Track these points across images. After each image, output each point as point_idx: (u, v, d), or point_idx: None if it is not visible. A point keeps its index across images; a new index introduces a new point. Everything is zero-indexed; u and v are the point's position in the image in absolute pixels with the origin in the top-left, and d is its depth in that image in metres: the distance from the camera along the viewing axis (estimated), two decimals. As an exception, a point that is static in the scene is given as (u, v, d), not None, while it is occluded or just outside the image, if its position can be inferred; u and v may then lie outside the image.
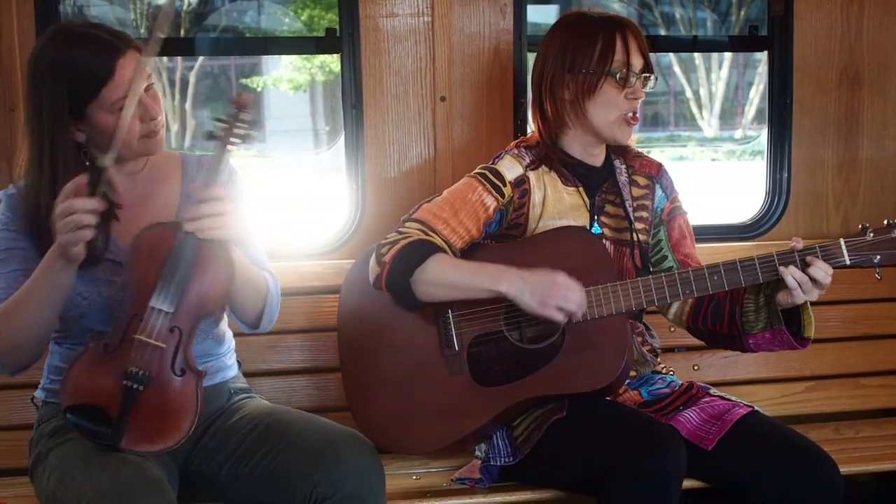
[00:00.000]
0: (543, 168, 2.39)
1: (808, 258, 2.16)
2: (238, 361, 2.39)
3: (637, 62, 2.31)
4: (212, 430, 2.19)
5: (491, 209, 2.34)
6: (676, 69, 19.16)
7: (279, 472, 2.04)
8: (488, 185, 2.34)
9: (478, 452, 2.43)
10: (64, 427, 2.07)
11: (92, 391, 1.95)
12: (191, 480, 2.15)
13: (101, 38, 2.05)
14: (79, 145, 2.07)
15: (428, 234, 2.27)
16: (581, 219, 2.39)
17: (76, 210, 1.86)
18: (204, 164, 2.18)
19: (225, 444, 2.14)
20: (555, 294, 2.16)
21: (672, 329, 2.80)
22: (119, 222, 2.06)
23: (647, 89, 2.35)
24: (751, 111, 18.87)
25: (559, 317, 2.17)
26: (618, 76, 2.29)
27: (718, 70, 19.02)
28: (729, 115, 19.93)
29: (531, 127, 2.86)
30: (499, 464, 2.34)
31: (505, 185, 2.35)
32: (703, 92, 19.25)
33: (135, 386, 1.94)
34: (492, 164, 2.39)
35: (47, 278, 1.95)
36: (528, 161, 2.39)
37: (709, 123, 19.42)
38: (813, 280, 2.15)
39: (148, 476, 1.91)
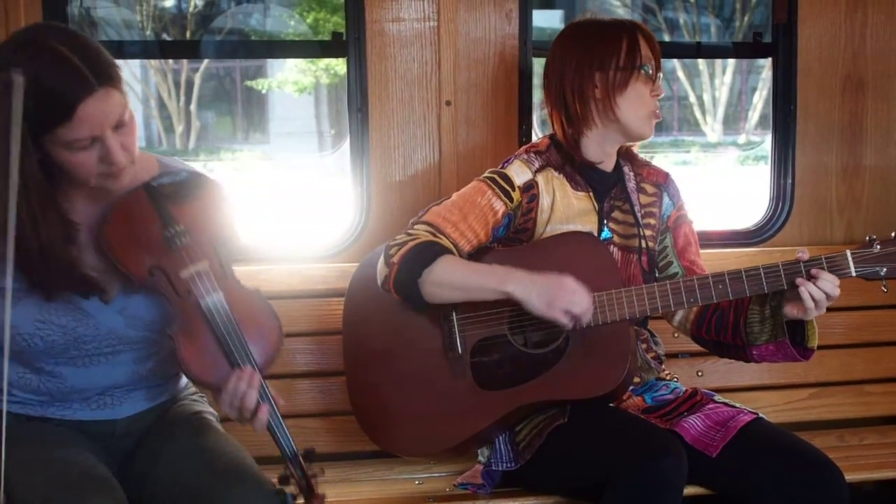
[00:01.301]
0: (553, 172, 2.39)
1: (815, 271, 2.16)
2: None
3: (656, 58, 2.35)
4: (143, 444, 2.11)
5: (500, 213, 2.34)
6: (680, 74, 19.16)
7: None
8: (497, 189, 2.35)
9: (480, 457, 2.43)
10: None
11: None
12: (137, 488, 2.06)
13: (74, 68, 1.77)
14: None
15: (436, 236, 2.28)
16: (590, 223, 2.39)
17: None
18: (172, 183, 2.03)
19: (147, 459, 2.05)
20: (562, 297, 2.16)
21: (676, 335, 2.80)
22: (78, 248, 1.95)
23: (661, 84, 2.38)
24: (754, 116, 18.86)
25: (565, 319, 2.17)
26: (648, 69, 2.32)
27: (722, 75, 19.02)
28: (732, 120, 19.93)
29: (536, 132, 2.88)
30: (500, 469, 2.35)
31: (514, 190, 2.35)
32: (706, 97, 19.24)
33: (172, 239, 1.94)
34: (501, 168, 2.40)
35: None
36: (537, 166, 2.39)
37: (712, 128, 19.41)
38: (827, 294, 2.15)
39: (95, 474, 1.87)
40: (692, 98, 19.36)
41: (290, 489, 1.94)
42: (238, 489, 1.91)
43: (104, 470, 1.92)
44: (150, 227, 1.96)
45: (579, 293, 2.18)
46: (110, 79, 1.82)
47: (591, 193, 2.41)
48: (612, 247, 2.40)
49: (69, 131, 1.79)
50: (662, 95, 2.37)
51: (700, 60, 18.52)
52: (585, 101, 2.35)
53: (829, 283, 2.15)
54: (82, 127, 1.79)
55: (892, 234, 2.18)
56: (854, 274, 2.17)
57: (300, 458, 1.94)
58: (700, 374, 2.88)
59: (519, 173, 2.38)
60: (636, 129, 2.36)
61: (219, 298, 1.93)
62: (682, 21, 18.92)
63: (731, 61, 18.30)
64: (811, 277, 2.16)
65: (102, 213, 1.97)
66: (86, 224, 1.97)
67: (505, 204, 2.35)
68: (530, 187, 2.37)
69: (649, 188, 2.49)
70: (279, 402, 1.95)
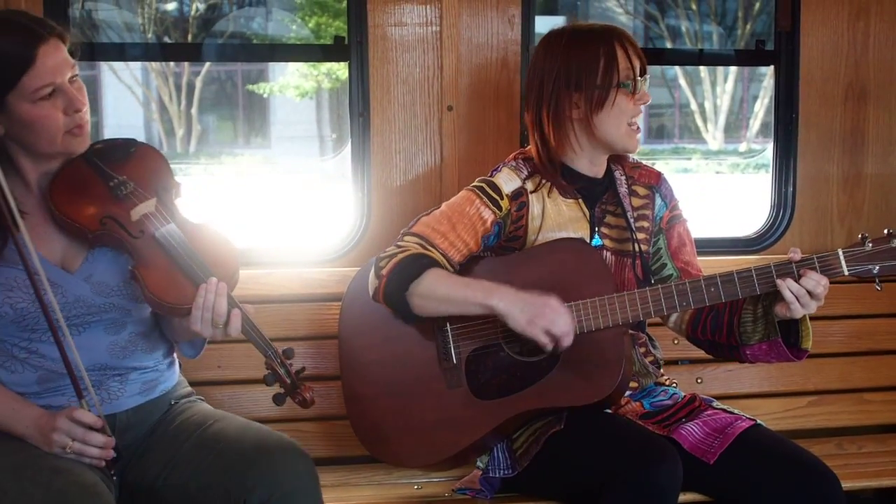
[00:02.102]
0: (542, 181, 2.39)
1: (804, 270, 2.15)
2: (179, 364, 2.34)
3: (637, 65, 2.32)
4: (148, 443, 2.15)
5: (489, 222, 2.34)
6: (682, 81, 19.20)
7: (213, 480, 1.99)
8: (486, 199, 2.34)
9: (479, 464, 2.43)
10: None
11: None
12: (130, 491, 2.12)
13: (21, 23, 1.98)
14: None
15: (426, 249, 2.28)
16: (581, 231, 2.39)
17: (90, 445, 1.96)
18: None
19: (160, 455, 2.10)
20: (544, 315, 2.16)
21: (676, 341, 2.79)
22: (36, 229, 2.02)
23: (647, 88, 2.36)
24: (755, 124, 18.89)
25: (545, 339, 2.17)
26: (629, 86, 2.30)
27: (724, 83, 19.05)
28: (734, 128, 19.96)
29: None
30: (498, 476, 2.34)
31: (502, 199, 2.35)
32: (708, 105, 19.28)
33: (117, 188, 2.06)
34: (490, 176, 2.39)
35: (5, 424, 2.01)
36: (526, 173, 2.39)
37: (713, 136, 19.44)
38: (809, 292, 2.15)
39: (82, 481, 1.90)
40: (693, 106, 19.39)
41: (277, 389, 2.03)
42: (280, 454, 1.98)
43: (91, 477, 1.94)
44: (93, 183, 2.07)
45: (563, 314, 2.17)
46: (54, 29, 1.99)
47: (580, 201, 2.40)
48: (605, 252, 2.40)
49: (33, 79, 1.93)
50: (649, 101, 2.34)
51: (702, 68, 18.57)
52: (562, 123, 2.33)
53: (811, 281, 2.14)
54: (45, 72, 1.94)
55: (885, 232, 2.16)
56: (846, 273, 2.16)
57: (281, 356, 2.03)
58: (700, 380, 2.88)
59: (507, 181, 2.37)
60: (618, 144, 2.35)
61: (172, 227, 2.04)
62: (684, 28, 18.95)
63: (733, 69, 18.33)
64: (801, 278, 2.15)
65: (47, 189, 2.05)
66: (36, 211, 2.06)
67: (493, 213, 2.34)
68: (519, 195, 2.36)
69: (641, 190, 2.48)
70: (249, 310, 2.04)
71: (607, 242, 2.41)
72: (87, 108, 2.04)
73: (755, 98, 19.22)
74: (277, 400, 2.05)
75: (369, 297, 2.33)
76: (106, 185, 2.06)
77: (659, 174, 2.51)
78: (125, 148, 2.14)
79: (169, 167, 2.16)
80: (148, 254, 2.01)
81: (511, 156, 2.46)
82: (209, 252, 2.04)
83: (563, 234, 2.35)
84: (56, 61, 1.96)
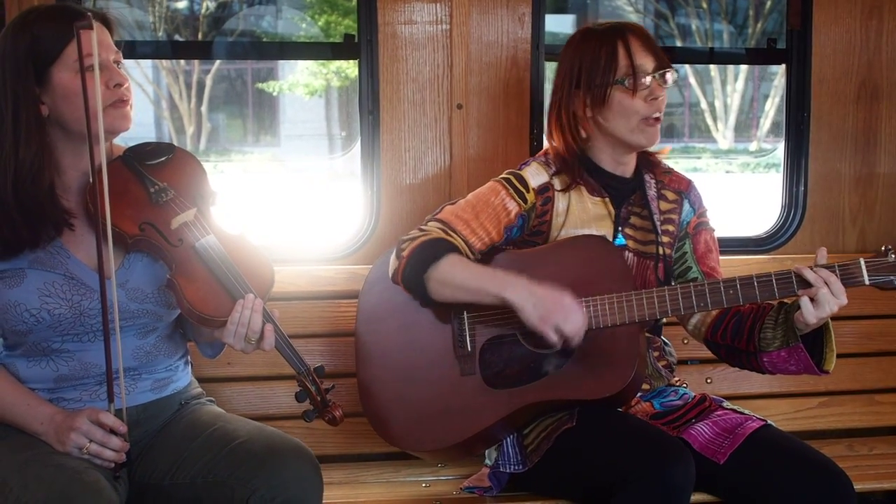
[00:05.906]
0: (570, 178, 2.39)
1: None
2: (191, 364, 2.34)
3: (646, 62, 2.31)
4: (156, 441, 2.16)
5: (512, 214, 2.34)
6: (692, 80, 19.14)
7: (219, 478, 2.00)
8: (511, 190, 2.35)
9: (487, 460, 2.43)
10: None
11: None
12: (137, 489, 2.12)
13: (66, 6, 2.06)
14: (42, 121, 2.02)
15: (448, 234, 2.29)
16: (605, 229, 2.38)
17: (108, 448, 1.99)
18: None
19: (167, 454, 2.11)
20: (557, 313, 2.15)
21: (686, 341, 2.79)
22: (74, 232, 2.04)
23: (669, 85, 2.34)
24: (766, 124, 18.83)
25: (555, 337, 2.16)
26: (626, 83, 2.29)
27: (734, 82, 19.00)
28: (744, 127, 19.90)
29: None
30: (508, 471, 2.34)
31: (528, 192, 2.35)
32: (718, 104, 19.22)
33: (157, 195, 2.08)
34: (518, 169, 2.40)
35: (18, 421, 2.04)
36: (554, 169, 2.39)
37: (723, 135, 19.39)
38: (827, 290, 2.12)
39: (84, 479, 1.90)
40: (703, 105, 19.34)
41: (307, 406, 2.05)
42: (291, 458, 1.98)
43: (94, 475, 1.94)
44: (133, 188, 2.10)
45: (575, 313, 2.17)
46: (100, 15, 2.07)
47: (606, 199, 2.40)
48: (627, 253, 2.39)
49: (75, 49, 1.94)
50: (660, 96, 2.32)
51: (712, 67, 18.52)
52: (577, 120, 2.37)
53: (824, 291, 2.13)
54: (87, 43, 1.94)
55: None
56: (867, 283, 2.15)
57: (313, 374, 2.05)
58: (709, 380, 2.87)
59: (535, 175, 2.38)
60: (628, 140, 2.35)
61: (212, 239, 2.06)
62: (694, 27, 18.91)
63: (743, 68, 18.28)
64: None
65: (87, 189, 2.05)
66: (74, 214, 2.06)
67: (518, 205, 2.35)
68: (545, 189, 2.37)
69: (670, 195, 2.48)
70: (275, 314, 2.06)
71: (630, 243, 2.41)
72: (129, 87, 2.07)
73: (766, 97, 19.17)
74: (307, 417, 2.07)
75: (388, 285, 2.35)
76: (146, 191, 2.09)
77: (689, 181, 2.52)
78: (164, 152, 2.16)
79: (206, 175, 2.18)
80: (186, 263, 2.03)
81: (541, 151, 2.48)
82: (246, 265, 2.06)
83: (587, 231, 2.36)
84: (99, 38, 2.00)
